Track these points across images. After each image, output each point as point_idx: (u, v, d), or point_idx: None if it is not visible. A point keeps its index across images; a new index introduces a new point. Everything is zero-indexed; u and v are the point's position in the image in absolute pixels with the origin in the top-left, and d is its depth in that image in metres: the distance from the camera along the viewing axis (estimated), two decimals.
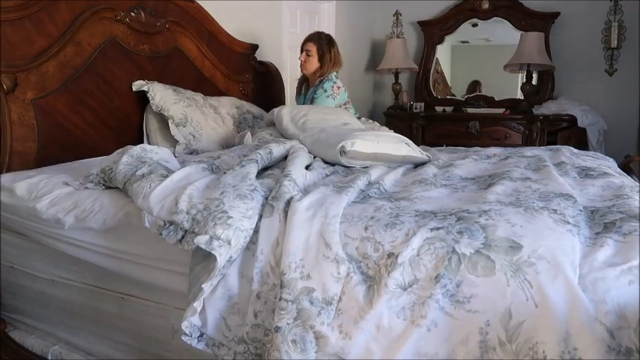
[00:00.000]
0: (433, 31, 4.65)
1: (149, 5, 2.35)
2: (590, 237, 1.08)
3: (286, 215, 1.19)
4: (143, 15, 2.31)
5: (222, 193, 1.24)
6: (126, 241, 1.40)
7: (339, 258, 1.09)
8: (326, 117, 2.20)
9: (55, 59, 1.94)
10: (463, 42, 4.74)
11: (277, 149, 1.72)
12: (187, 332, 1.15)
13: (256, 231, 1.19)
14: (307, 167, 1.66)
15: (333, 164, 1.77)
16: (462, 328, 0.98)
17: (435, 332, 0.99)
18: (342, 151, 1.71)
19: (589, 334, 0.89)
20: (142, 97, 2.32)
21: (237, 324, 1.16)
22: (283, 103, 3.16)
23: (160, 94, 2.23)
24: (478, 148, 2.47)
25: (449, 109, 4.47)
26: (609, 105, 4.04)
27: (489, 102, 4.45)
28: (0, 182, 1.61)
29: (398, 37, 4.76)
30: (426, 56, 4.68)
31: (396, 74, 4.56)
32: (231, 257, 1.15)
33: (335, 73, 2.72)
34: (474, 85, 4.65)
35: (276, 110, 2.28)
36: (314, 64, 2.71)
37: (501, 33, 4.46)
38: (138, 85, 2.26)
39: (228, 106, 2.56)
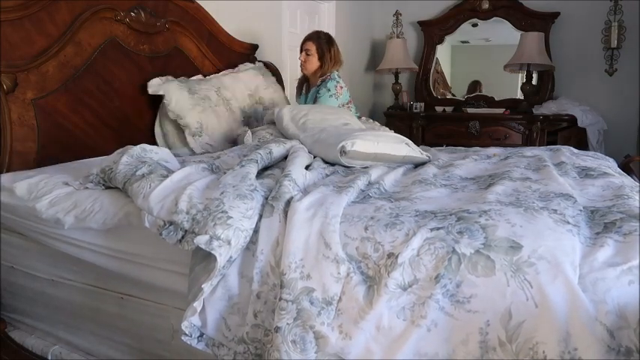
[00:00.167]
0: (433, 31, 4.65)
1: (149, 5, 2.35)
2: (590, 237, 1.08)
3: (286, 215, 1.19)
4: (143, 15, 2.31)
5: (222, 193, 1.24)
6: (126, 241, 1.40)
7: (339, 258, 1.09)
8: (326, 117, 2.20)
9: (55, 59, 1.94)
10: (463, 42, 4.74)
11: (277, 149, 1.72)
12: (187, 332, 1.15)
13: (256, 231, 1.19)
14: (307, 167, 1.66)
15: (333, 164, 1.77)
16: (462, 328, 0.98)
17: (435, 332, 0.99)
18: (343, 151, 1.71)
19: (589, 334, 0.89)
20: (143, 97, 2.33)
21: (237, 324, 1.16)
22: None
23: (176, 99, 2.24)
24: (478, 148, 2.47)
25: (449, 109, 4.47)
26: (609, 105, 4.04)
27: (489, 102, 4.45)
28: (0, 182, 1.61)
29: (398, 37, 4.76)
30: (426, 56, 4.68)
31: (396, 74, 4.56)
32: (231, 257, 1.15)
33: (337, 73, 2.72)
34: (475, 85, 4.65)
35: (276, 110, 2.28)
36: (314, 63, 2.71)
37: (501, 33, 4.46)
38: (154, 87, 2.26)
39: (240, 98, 2.55)
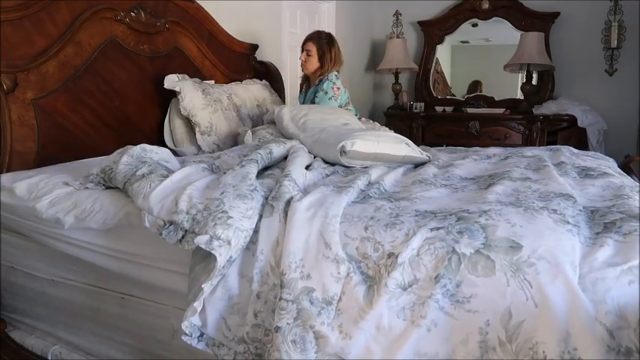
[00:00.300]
0: (433, 31, 4.65)
1: (149, 5, 2.35)
2: (590, 237, 1.08)
3: (286, 215, 1.19)
4: (143, 15, 2.31)
5: (222, 193, 1.24)
6: (126, 241, 1.40)
7: (339, 258, 1.09)
8: (326, 117, 2.20)
9: (55, 59, 1.94)
10: (463, 42, 4.74)
11: (277, 149, 1.72)
12: (187, 332, 1.15)
13: (256, 231, 1.20)
14: (307, 167, 1.66)
15: (333, 164, 1.77)
16: (461, 328, 0.98)
17: (435, 332, 0.99)
18: (343, 151, 1.71)
19: (589, 334, 0.89)
20: (143, 97, 2.33)
21: (238, 324, 1.16)
22: (283, 103, 3.17)
23: (190, 97, 2.28)
24: (478, 148, 2.47)
25: (449, 109, 4.48)
26: (609, 105, 4.04)
27: (489, 102, 4.45)
28: (0, 182, 1.61)
29: (398, 37, 4.76)
30: (426, 56, 4.68)
31: (396, 74, 4.56)
32: (231, 257, 1.15)
33: (335, 73, 2.71)
34: (475, 85, 4.65)
35: (276, 110, 2.28)
36: (314, 63, 2.71)
37: (501, 33, 4.46)
38: (170, 82, 2.29)
39: (249, 106, 2.62)
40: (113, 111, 2.19)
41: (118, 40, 2.21)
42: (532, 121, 3.92)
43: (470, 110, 4.30)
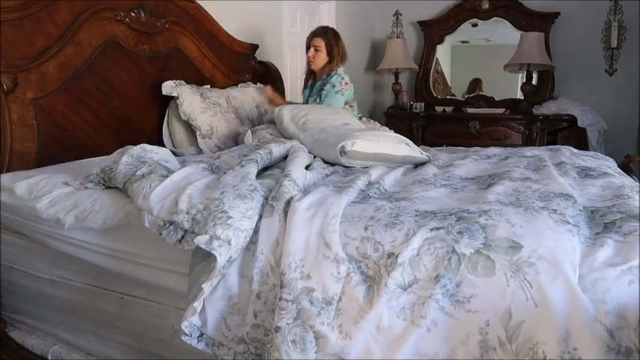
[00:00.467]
0: (433, 31, 4.65)
1: (149, 5, 2.35)
2: (590, 237, 1.08)
3: (286, 215, 1.19)
4: (143, 15, 2.31)
5: (222, 193, 1.24)
6: (126, 241, 1.40)
7: (339, 258, 1.09)
8: (326, 117, 2.20)
9: (55, 59, 1.94)
10: (463, 42, 4.74)
11: (277, 149, 1.72)
12: (187, 332, 1.15)
13: (256, 231, 1.20)
14: (307, 167, 1.66)
15: (333, 164, 1.77)
16: (461, 328, 0.98)
17: (435, 332, 0.99)
18: (342, 151, 1.71)
19: (589, 334, 0.89)
20: (143, 97, 2.33)
21: (237, 324, 1.16)
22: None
23: (188, 101, 2.29)
24: (478, 148, 2.47)
25: (449, 109, 4.48)
26: (609, 105, 4.04)
27: (489, 102, 4.45)
28: (0, 182, 1.61)
29: (398, 37, 4.76)
30: (426, 56, 4.68)
31: (396, 74, 4.56)
32: (231, 257, 1.15)
33: (342, 69, 2.72)
34: (475, 83, 4.64)
35: (276, 110, 2.28)
36: (323, 59, 2.70)
37: (501, 33, 4.46)
38: (168, 88, 2.29)
39: (248, 108, 2.63)
40: (113, 111, 2.19)
41: (118, 40, 2.21)
42: (532, 121, 3.92)
43: (470, 110, 4.30)
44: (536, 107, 4.05)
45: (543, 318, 0.92)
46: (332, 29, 2.81)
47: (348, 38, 4.19)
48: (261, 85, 2.93)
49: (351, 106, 2.71)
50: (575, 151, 2.22)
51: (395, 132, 2.28)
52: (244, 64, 3.03)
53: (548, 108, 3.99)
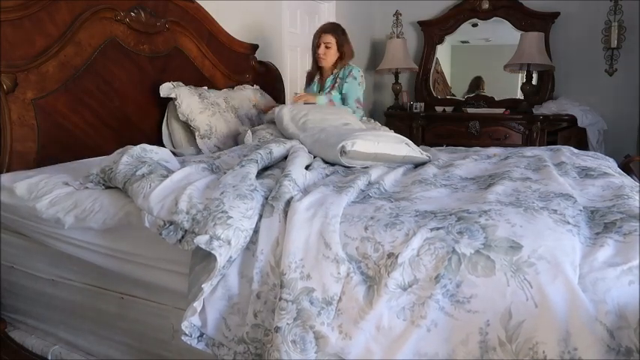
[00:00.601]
0: (433, 31, 4.65)
1: (149, 5, 2.35)
2: (590, 237, 1.08)
3: (286, 215, 1.19)
4: (143, 15, 2.31)
5: (222, 193, 1.24)
6: (126, 241, 1.40)
7: (339, 258, 1.09)
8: (327, 117, 2.20)
9: (55, 59, 1.94)
10: (463, 42, 4.74)
11: (277, 149, 1.72)
12: (187, 332, 1.15)
13: (256, 231, 1.20)
14: (307, 167, 1.66)
15: (333, 164, 1.77)
16: (462, 328, 0.98)
17: (435, 332, 0.99)
18: (343, 151, 1.71)
19: (589, 334, 0.89)
20: (143, 97, 2.33)
21: (237, 324, 1.16)
22: (283, 103, 3.17)
23: (187, 102, 2.29)
24: (478, 148, 2.47)
25: (449, 109, 4.48)
26: (609, 105, 4.04)
27: (489, 102, 4.45)
28: (0, 182, 1.61)
29: (398, 37, 4.76)
30: (426, 56, 4.68)
31: (396, 74, 4.56)
32: (231, 257, 1.15)
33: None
34: (477, 82, 4.64)
35: (276, 109, 2.28)
36: (334, 55, 2.69)
37: (501, 33, 4.46)
38: (166, 90, 2.29)
39: (246, 108, 2.63)
40: (113, 111, 2.19)
41: (118, 40, 2.21)
42: (532, 121, 3.92)
43: (470, 110, 4.30)
44: (536, 107, 4.05)
45: (543, 318, 0.92)
46: (339, 25, 2.80)
47: None
48: (258, 87, 2.92)
49: (360, 104, 2.70)
50: (576, 151, 2.22)
51: (395, 132, 2.28)
52: (244, 64, 3.03)
53: (548, 108, 3.99)
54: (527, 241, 1.01)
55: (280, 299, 1.08)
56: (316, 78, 2.80)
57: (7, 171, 1.74)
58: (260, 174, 1.53)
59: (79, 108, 2.04)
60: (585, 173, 1.71)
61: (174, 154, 1.81)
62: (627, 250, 0.99)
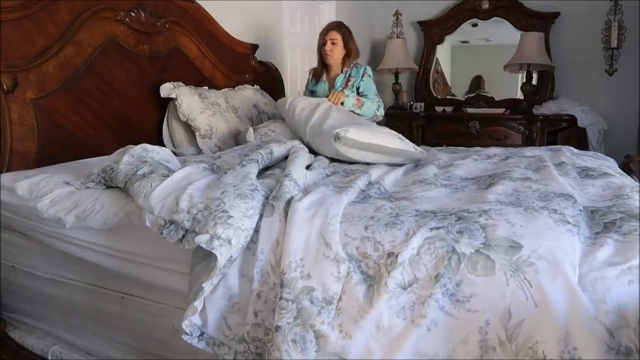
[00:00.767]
0: (433, 31, 4.65)
1: (149, 5, 2.35)
2: (590, 237, 1.08)
3: (287, 215, 1.19)
4: (143, 15, 2.31)
5: (222, 192, 1.24)
6: (127, 241, 1.40)
7: (339, 257, 1.09)
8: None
9: (55, 59, 1.94)
10: (463, 42, 4.74)
11: (278, 149, 1.72)
12: (188, 331, 1.15)
13: (257, 230, 1.20)
14: (308, 167, 1.66)
15: (332, 160, 1.79)
16: (461, 327, 0.98)
17: (435, 332, 0.99)
18: (337, 138, 1.74)
19: (589, 334, 0.89)
20: (143, 97, 2.33)
21: (238, 323, 1.16)
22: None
23: (187, 102, 2.29)
24: (478, 148, 2.47)
25: (449, 109, 4.48)
26: (609, 105, 4.04)
27: (489, 102, 4.45)
28: (0, 182, 1.62)
29: (398, 37, 4.76)
30: (426, 56, 4.68)
31: (396, 74, 4.56)
32: (231, 257, 1.15)
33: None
34: (478, 81, 4.63)
35: (288, 100, 2.29)
36: (340, 52, 2.69)
37: (501, 33, 4.46)
38: (166, 91, 2.29)
39: (246, 108, 2.63)
40: (113, 111, 2.19)
41: (118, 40, 2.21)
42: (532, 121, 3.92)
43: (470, 110, 4.30)
44: (536, 107, 4.05)
45: (543, 317, 0.92)
46: (345, 24, 2.80)
47: None
48: (258, 87, 2.91)
49: (379, 97, 2.69)
50: (576, 151, 2.22)
51: (395, 132, 2.29)
52: (244, 64, 3.03)
53: (548, 108, 3.99)
54: (527, 241, 1.01)
55: (281, 298, 1.08)
56: (323, 76, 2.78)
57: (7, 171, 1.74)
58: (261, 174, 1.53)
59: (79, 108, 2.05)
60: (585, 173, 1.71)
61: (175, 154, 1.81)
62: (627, 249, 0.99)
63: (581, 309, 0.91)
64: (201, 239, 1.12)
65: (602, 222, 1.14)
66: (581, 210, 1.21)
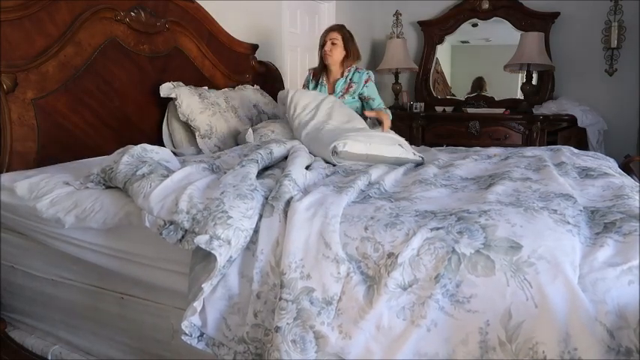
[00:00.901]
0: (433, 31, 4.65)
1: (149, 5, 2.35)
2: (590, 237, 1.08)
3: (286, 215, 1.19)
4: (143, 15, 2.31)
5: (222, 192, 1.24)
6: (126, 241, 1.40)
7: (339, 258, 1.09)
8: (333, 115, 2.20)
9: (55, 59, 1.94)
10: (463, 42, 4.74)
11: (278, 149, 1.72)
12: (187, 332, 1.15)
13: (256, 231, 1.20)
14: (307, 167, 1.66)
15: (334, 164, 1.79)
16: (461, 328, 0.98)
17: (435, 332, 0.99)
18: (334, 152, 1.74)
19: (589, 335, 0.89)
20: (143, 97, 2.33)
21: (238, 324, 1.16)
22: (283, 105, 3.16)
23: (187, 102, 2.29)
24: (478, 148, 2.47)
25: (449, 109, 4.47)
26: (609, 105, 4.04)
27: (489, 102, 4.45)
28: (0, 182, 1.61)
29: (398, 37, 4.76)
30: (426, 56, 4.68)
31: (396, 74, 4.56)
32: (231, 257, 1.15)
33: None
34: (479, 82, 4.63)
35: (291, 91, 2.28)
36: (340, 52, 2.68)
37: (501, 33, 4.46)
38: (166, 90, 2.29)
39: (246, 108, 2.63)
40: (113, 111, 2.19)
41: (118, 40, 2.21)
42: (532, 121, 3.91)
43: (470, 110, 4.30)
44: (536, 107, 4.05)
45: (543, 318, 0.92)
46: (346, 27, 2.79)
47: None
48: (258, 87, 2.92)
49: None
50: (576, 151, 2.22)
51: (395, 132, 2.29)
52: (244, 64, 3.03)
53: (548, 108, 3.99)
54: (527, 241, 1.01)
55: (280, 299, 1.08)
56: (323, 78, 2.77)
57: (7, 171, 1.74)
58: (260, 174, 1.53)
59: (79, 108, 2.04)
60: (585, 173, 1.71)
61: (175, 154, 1.81)
62: (627, 250, 0.99)
63: (582, 309, 0.90)
64: (201, 240, 1.12)
65: (602, 222, 1.14)
66: (581, 210, 1.20)
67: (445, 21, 4.59)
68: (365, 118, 2.49)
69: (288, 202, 1.24)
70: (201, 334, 1.18)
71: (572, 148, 2.30)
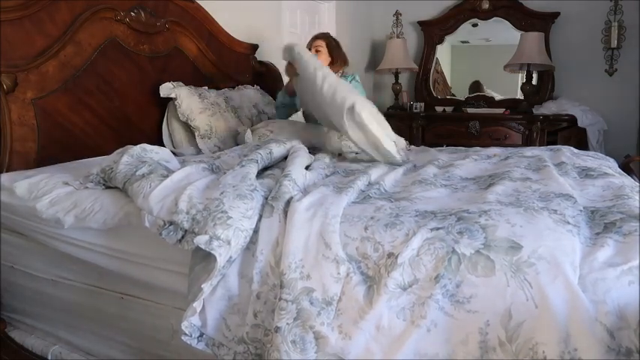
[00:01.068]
0: (433, 31, 4.65)
1: (149, 5, 2.35)
2: (591, 237, 1.08)
3: (286, 215, 1.19)
4: (143, 15, 2.31)
5: (222, 193, 1.24)
6: (126, 241, 1.40)
7: (338, 258, 1.09)
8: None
9: (55, 59, 1.94)
10: (463, 42, 4.74)
11: (277, 149, 1.72)
12: (187, 332, 1.15)
13: (256, 231, 1.20)
14: (307, 167, 1.66)
15: (332, 162, 1.78)
16: (461, 328, 0.98)
17: (435, 332, 0.99)
18: (350, 111, 1.72)
19: (589, 335, 0.89)
20: (143, 97, 2.33)
21: (237, 324, 1.16)
22: None
23: (187, 102, 2.29)
24: (478, 148, 2.47)
25: (449, 109, 4.47)
26: (609, 105, 4.03)
27: (489, 102, 4.45)
28: (0, 182, 1.61)
29: (398, 37, 4.76)
30: (426, 56, 4.68)
31: (396, 74, 4.56)
32: (230, 257, 1.15)
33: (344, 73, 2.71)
34: (476, 85, 4.63)
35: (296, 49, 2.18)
36: (325, 59, 2.68)
37: (501, 33, 4.46)
38: (166, 90, 2.29)
39: (246, 108, 2.63)
40: (113, 111, 2.19)
41: (118, 40, 2.21)
42: (532, 121, 3.91)
43: (470, 110, 4.29)
44: (536, 107, 4.05)
45: (543, 318, 0.92)
46: (332, 36, 2.79)
47: (348, 38, 4.22)
48: (259, 87, 2.92)
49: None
50: (576, 151, 2.22)
51: (395, 132, 2.28)
52: (244, 64, 3.03)
53: (548, 108, 3.99)
54: (527, 241, 1.01)
55: (280, 299, 1.08)
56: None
57: (7, 171, 1.74)
58: (260, 174, 1.53)
59: (79, 108, 2.05)
60: (585, 173, 1.71)
61: (175, 154, 1.81)
62: (627, 250, 0.99)
63: (582, 310, 0.90)
64: (201, 240, 1.12)
65: (602, 222, 1.14)
66: (581, 210, 1.20)
67: (445, 21, 4.59)
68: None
69: (288, 203, 1.23)
70: (201, 335, 1.18)
71: (572, 148, 2.30)
